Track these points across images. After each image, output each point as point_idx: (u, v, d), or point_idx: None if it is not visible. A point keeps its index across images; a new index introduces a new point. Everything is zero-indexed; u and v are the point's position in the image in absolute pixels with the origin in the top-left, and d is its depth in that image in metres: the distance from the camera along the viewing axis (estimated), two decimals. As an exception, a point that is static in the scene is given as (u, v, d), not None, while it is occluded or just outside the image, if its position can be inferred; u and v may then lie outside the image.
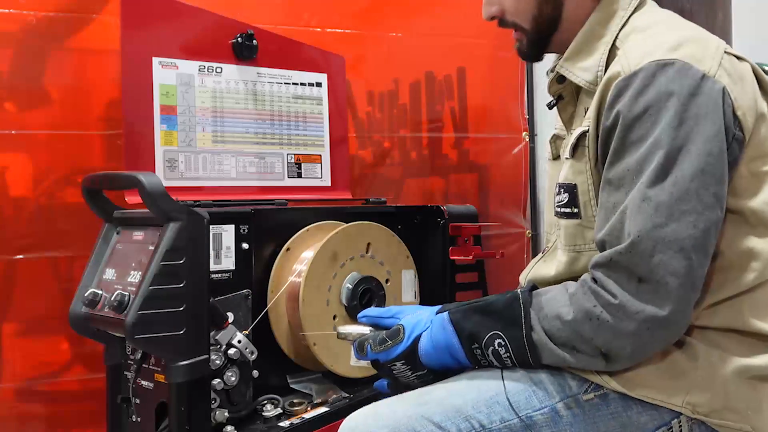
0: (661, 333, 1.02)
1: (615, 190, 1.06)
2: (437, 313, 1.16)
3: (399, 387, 1.21)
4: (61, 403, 1.96)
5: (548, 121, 2.57)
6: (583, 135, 1.14)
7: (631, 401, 1.08)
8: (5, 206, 1.90)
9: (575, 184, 1.16)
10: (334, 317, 1.70)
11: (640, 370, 1.08)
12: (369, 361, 1.21)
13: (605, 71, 1.14)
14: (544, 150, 2.59)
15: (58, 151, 1.94)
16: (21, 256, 1.90)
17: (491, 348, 1.10)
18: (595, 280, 1.05)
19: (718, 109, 1.03)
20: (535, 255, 1.36)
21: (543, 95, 2.57)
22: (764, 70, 2.59)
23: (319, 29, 2.26)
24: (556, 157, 1.31)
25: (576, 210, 1.16)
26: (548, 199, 1.32)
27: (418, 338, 1.14)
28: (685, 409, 1.06)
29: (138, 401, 1.49)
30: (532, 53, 1.28)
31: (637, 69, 1.05)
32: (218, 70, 1.84)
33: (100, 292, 1.43)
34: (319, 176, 2.00)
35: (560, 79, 1.22)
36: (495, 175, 2.58)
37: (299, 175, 1.96)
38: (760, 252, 1.08)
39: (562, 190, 1.19)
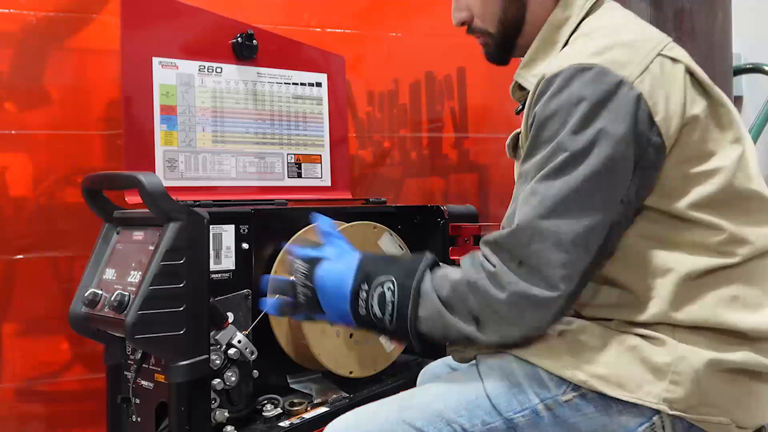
0: (530, 314, 1.05)
1: (522, 184, 1.10)
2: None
3: (288, 292, 1.22)
4: (61, 403, 1.96)
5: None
6: (517, 136, 1.20)
7: (610, 400, 1.09)
8: (5, 206, 1.91)
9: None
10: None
11: (616, 369, 1.08)
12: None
13: None
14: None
15: (58, 151, 1.94)
16: (21, 256, 1.90)
17: (379, 291, 1.12)
18: (481, 254, 1.10)
19: (629, 115, 1.05)
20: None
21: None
22: (764, 70, 2.59)
23: (319, 29, 2.27)
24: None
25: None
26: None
27: (325, 258, 1.18)
28: (662, 405, 1.06)
29: (138, 401, 1.49)
30: (498, 56, 1.31)
31: (558, 72, 1.08)
32: (218, 70, 1.84)
33: (100, 292, 1.43)
34: (319, 176, 2.00)
35: (521, 86, 1.25)
36: (495, 175, 2.58)
37: (299, 175, 1.96)
38: (702, 245, 1.09)
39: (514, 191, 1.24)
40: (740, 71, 2.32)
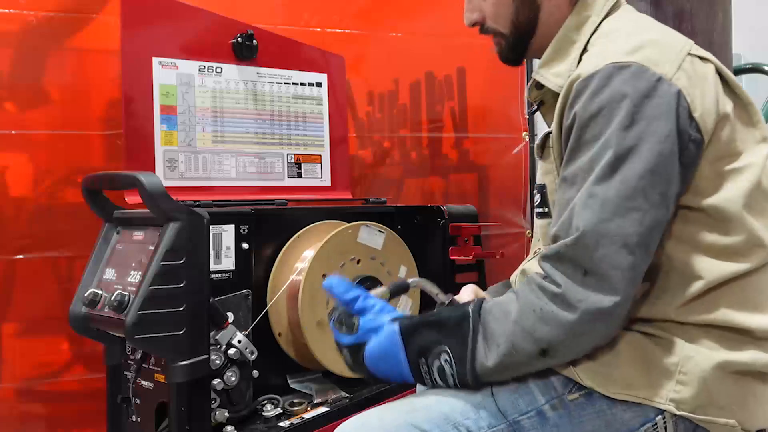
0: (601, 325, 1.04)
1: (569, 188, 1.08)
2: (392, 320, 1.16)
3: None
4: (61, 403, 1.96)
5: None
6: (548, 136, 1.17)
7: (615, 399, 1.09)
8: (5, 206, 1.91)
9: (545, 184, 1.20)
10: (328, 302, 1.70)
11: (622, 369, 1.08)
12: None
13: None
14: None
15: (58, 151, 1.94)
16: (21, 256, 1.90)
17: (437, 364, 1.11)
18: (543, 274, 1.07)
19: (672, 111, 1.05)
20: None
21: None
22: (764, 70, 2.59)
23: (319, 29, 2.27)
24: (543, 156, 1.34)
25: (547, 210, 1.20)
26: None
27: (364, 344, 1.15)
28: (669, 406, 1.06)
29: (138, 401, 1.49)
30: (512, 57, 1.30)
31: (595, 71, 1.07)
32: (218, 70, 1.84)
33: (100, 292, 1.43)
34: (319, 176, 2.00)
35: (539, 85, 1.25)
36: (495, 175, 2.59)
37: (299, 175, 1.96)
38: (723, 248, 1.09)
39: (536, 190, 1.22)
40: (740, 71, 2.32)
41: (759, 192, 1.11)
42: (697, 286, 1.08)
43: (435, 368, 1.11)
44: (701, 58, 1.14)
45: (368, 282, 1.74)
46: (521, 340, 1.05)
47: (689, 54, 1.12)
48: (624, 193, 1.02)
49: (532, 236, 2.42)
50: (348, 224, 1.75)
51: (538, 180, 1.21)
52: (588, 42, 1.19)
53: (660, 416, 1.08)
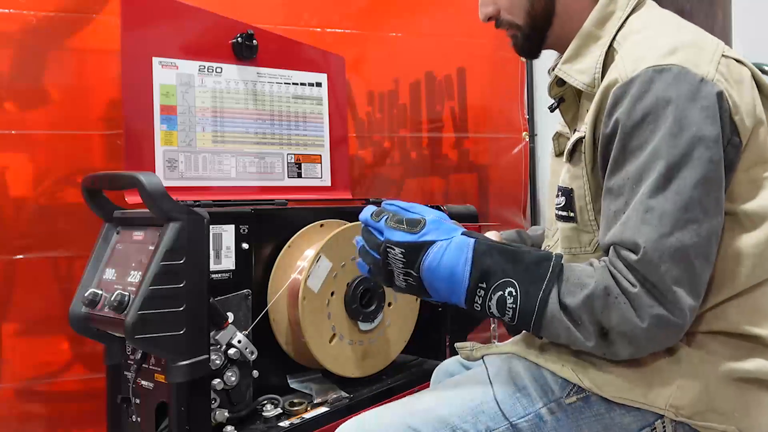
0: (663, 334, 1.02)
1: (615, 198, 1.05)
2: (464, 234, 1.10)
3: (379, 274, 1.14)
4: (61, 403, 1.96)
5: (548, 121, 2.57)
6: (579, 141, 1.14)
7: (613, 403, 1.08)
8: (5, 206, 1.91)
9: (572, 189, 1.16)
10: (328, 303, 1.70)
11: (622, 373, 1.07)
12: (369, 231, 1.13)
13: (602, 74, 1.14)
14: (545, 148, 2.60)
15: (58, 151, 1.94)
16: (21, 256, 1.90)
17: (499, 293, 1.05)
18: (613, 265, 1.04)
19: (716, 114, 1.03)
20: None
21: (543, 95, 2.57)
22: (764, 71, 2.59)
23: (319, 29, 2.27)
24: (558, 154, 1.31)
25: (572, 214, 1.16)
26: (550, 196, 1.33)
27: (431, 243, 1.08)
28: (668, 411, 1.06)
29: (138, 401, 1.49)
30: (528, 49, 1.28)
31: (634, 75, 1.05)
32: (218, 70, 1.84)
33: (100, 292, 1.43)
34: (319, 176, 2.00)
35: (560, 82, 1.22)
36: (495, 175, 2.59)
37: (299, 175, 1.96)
38: (749, 254, 1.08)
39: (560, 193, 1.19)
40: (740, 71, 2.32)
41: None
42: (715, 299, 1.07)
43: (495, 297, 1.05)
44: (736, 60, 1.11)
45: (367, 282, 1.74)
46: (587, 315, 1.02)
47: (723, 55, 1.09)
48: (681, 204, 1.00)
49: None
50: (350, 224, 1.74)
51: (563, 182, 1.17)
52: (614, 39, 1.16)
53: (659, 421, 1.07)
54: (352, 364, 1.74)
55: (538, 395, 1.11)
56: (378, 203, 1.94)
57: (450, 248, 1.07)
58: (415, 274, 1.08)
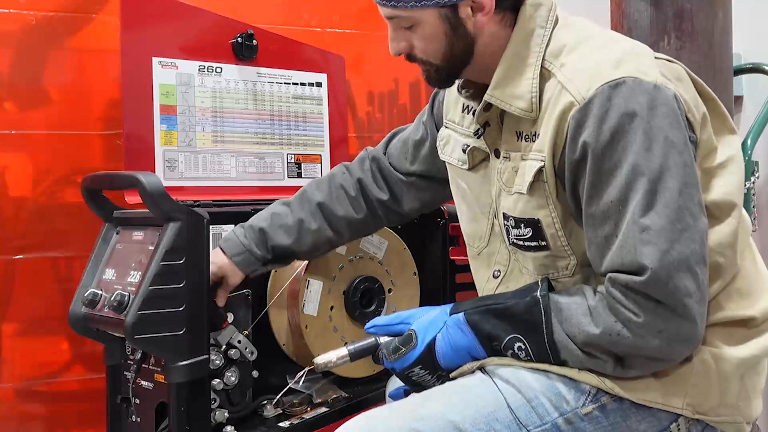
0: (681, 347, 1.04)
1: (602, 224, 1.05)
2: (450, 313, 1.15)
3: (420, 390, 1.20)
4: (61, 403, 1.96)
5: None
6: (540, 171, 1.12)
7: (629, 410, 1.08)
8: (5, 206, 1.90)
9: (538, 219, 1.15)
10: (330, 318, 1.70)
11: (640, 375, 1.08)
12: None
13: (540, 95, 1.12)
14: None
15: (58, 151, 1.94)
16: (21, 256, 1.90)
17: (510, 351, 1.11)
18: (612, 296, 1.04)
19: (678, 116, 1.04)
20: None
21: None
22: (765, 70, 2.59)
23: (319, 29, 2.26)
24: (473, 167, 1.29)
25: (543, 243, 1.15)
26: (469, 211, 1.32)
27: (433, 341, 1.14)
28: (686, 410, 1.06)
29: (138, 401, 1.49)
30: (442, 83, 1.26)
31: (591, 95, 1.04)
32: (218, 70, 1.84)
33: (99, 292, 1.43)
34: (319, 176, 2.00)
35: (487, 107, 1.19)
36: (495, 175, 2.58)
37: (299, 175, 1.96)
38: (728, 244, 1.10)
39: (522, 224, 1.17)
40: (740, 71, 2.32)
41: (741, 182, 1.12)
42: (712, 293, 1.08)
43: (509, 352, 1.12)
44: (667, 60, 1.13)
45: (368, 282, 1.74)
46: (598, 351, 1.06)
47: (656, 57, 1.11)
48: (672, 216, 1.01)
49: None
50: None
51: (525, 214, 1.16)
52: (544, 57, 1.13)
53: (674, 423, 1.08)
54: (366, 362, 1.73)
55: (552, 405, 1.09)
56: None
57: (451, 334, 1.14)
58: (440, 371, 1.16)
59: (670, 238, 1.00)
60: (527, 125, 1.14)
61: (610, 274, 1.04)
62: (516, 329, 1.09)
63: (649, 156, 1.01)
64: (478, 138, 1.23)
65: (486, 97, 1.18)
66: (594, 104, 1.04)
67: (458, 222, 1.93)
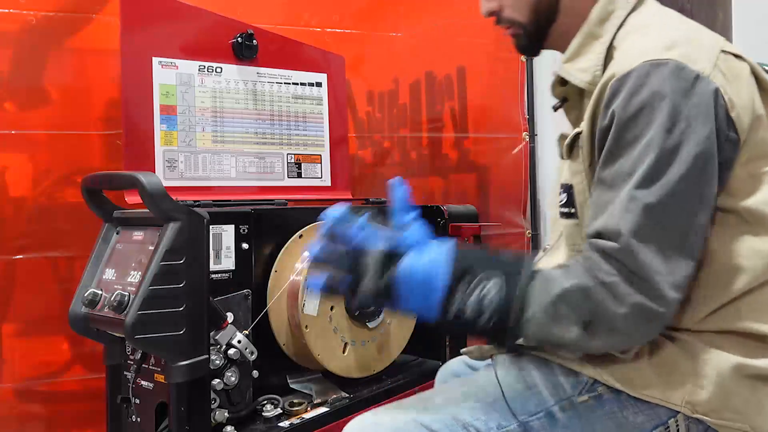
0: (644, 325, 1.02)
1: (607, 190, 1.06)
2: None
3: (334, 289, 1.08)
4: (61, 403, 1.96)
5: (548, 121, 2.57)
6: (577, 136, 1.15)
7: (626, 401, 1.09)
8: (5, 206, 1.91)
9: (572, 185, 1.17)
10: (330, 319, 1.70)
11: (640, 370, 1.08)
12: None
13: (603, 72, 1.14)
14: (545, 148, 2.60)
15: (58, 151, 1.94)
16: (21, 256, 1.90)
17: (480, 288, 1.03)
18: (590, 258, 1.04)
19: (711, 110, 1.03)
20: (534, 255, 1.35)
21: (543, 95, 2.58)
22: (765, 70, 2.59)
23: (319, 29, 2.26)
24: (562, 155, 1.31)
25: (573, 210, 1.17)
26: (552, 196, 1.32)
27: (401, 252, 1.05)
28: (685, 408, 1.06)
29: (138, 401, 1.49)
30: (530, 46, 1.27)
31: (631, 69, 1.05)
32: (218, 70, 1.84)
33: (99, 292, 1.43)
34: (319, 176, 2.00)
35: (562, 81, 1.22)
36: (495, 175, 2.58)
37: (299, 175, 1.96)
38: (758, 252, 1.08)
39: (562, 190, 1.19)
40: (740, 71, 2.32)
41: None
42: (724, 297, 1.07)
43: (476, 291, 1.02)
44: (735, 55, 1.12)
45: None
46: (565, 309, 1.02)
47: (722, 51, 1.10)
48: (665, 198, 1.01)
49: (532, 236, 2.41)
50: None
51: (565, 179, 1.18)
52: (614, 37, 1.16)
53: (672, 419, 1.08)
54: (351, 364, 1.73)
55: (549, 393, 1.11)
56: (378, 203, 1.95)
57: (427, 252, 1.05)
58: (386, 278, 1.04)
59: (656, 218, 1.01)
60: None
61: (590, 240, 1.05)
62: (497, 270, 1.04)
63: (667, 137, 1.02)
64: (555, 110, 1.26)
65: (557, 70, 1.21)
66: (631, 77, 1.05)
67: (458, 222, 1.95)
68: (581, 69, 1.17)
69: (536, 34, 1.24)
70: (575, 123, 1.24)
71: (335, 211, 1.07)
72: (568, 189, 1.17)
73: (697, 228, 1.03)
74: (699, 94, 1.03)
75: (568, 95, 1.23)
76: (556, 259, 1.23)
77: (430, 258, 1.04)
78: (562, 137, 1.30)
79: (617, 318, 1.01)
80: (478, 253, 1.08)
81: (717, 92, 1.04)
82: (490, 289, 1.03)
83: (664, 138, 1.02)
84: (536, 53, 1.30)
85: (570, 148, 1.16)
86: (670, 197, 1.01)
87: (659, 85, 1.03)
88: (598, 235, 1.04)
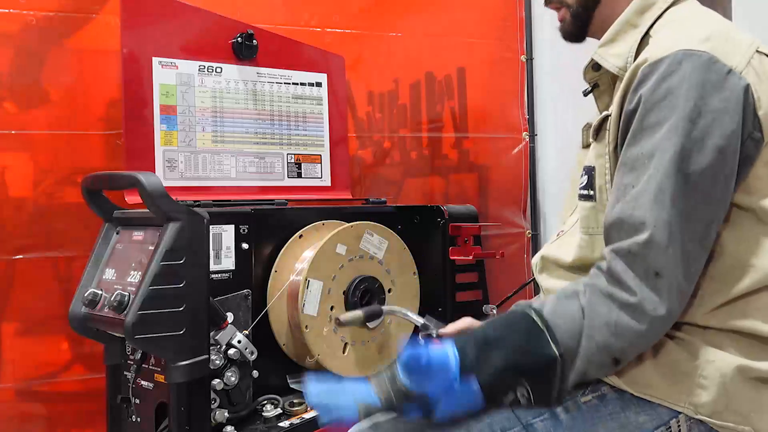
0: (662, 328, 1.05)
1: (629, 172, 1.06)
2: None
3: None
4: (61, 403, 1.96)
5: (548, 121, 2.57)
6: (606, 118, 1.16)
7: (628, 401, 1.09)
8: (5, 206, 1.91)
9: (594, 167, 1.17)
10: (330, 318, 1.70)
11: (643, 370, 1.08)
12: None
13: (635, 58, 1.15)
14: (545, 148, 2.59)
15: (58, 151, 1.94)
16: (21, 256, 1.90)
17: (512, 398, 1.07)
18: (610, 276, 1.05)
19: (739, 106, 1.04)
20: (535, 255, 1.35)
21: (543, 95, 2.58)
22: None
23: (319, 29, 2.26)
24: (585, 145, 1.30)
25: (592, 192, 1.17)
26: (572, 186, 1.33)
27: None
28: (687, 409, 1.06)
29: (138, 401, 1.49)
30: (575, 30, 1.29)
31: (664, 56, 1.06)
32: (218, 70, 1.84)
33: (100, 292, 1.43)
34: (319, 176, 2.00)
35: (596, 66, 1.23)
36: (495, 175, 2.58)
37: (299, 175, 1.96)
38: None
39: (583, 172, 1.20)
40: (740, 71, 2.32)
41: None
42: (731, 293, 1.07)
43: (507, 401, 1.07)
44: None
45: (367, 282, 1.74)
46: (596, 355, 1.04)
47: (758, 51, 1.10)
48: (687, 190, 1.02)
49: (532, 236, 2.41)
50: (348, 224, 1.74)
51: (588, 162, 1.19)
52: (651, 27, 1.17)
53: (674, 419, 1.07)
54: (351, 364, 1.73)
55: None
56: (378, 203, 1.95)
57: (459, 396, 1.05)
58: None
59: (679, 209, 1.02)
60: None
61: (612, 245, 1.06)
62: (523, 379, 1.05)
63: (691, 126, 1.02)
64: (585, 96, 1.27)
65: (593, 54, 1.22)
66: (663, 63, 1.06)
67: (458, 222, 1.95)
68: (615, 54, 1.18)
69: (581, 17, 1.26)
70: (604, 109, 1.25)
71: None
72: (590, 171, 1.18)
73: (715, 221, 1.04)
74: (728, 89, 1.03)
75: (600, 81, 1.24)
76: (569, 245, 1.22)
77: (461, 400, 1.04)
78: (587, 125, 1.30)
79: (641, 337, 1.03)
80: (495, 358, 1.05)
81: (747, 89, 1.04)
82: (519, 398, 1.05)
83: (688, 127, 1.02)
84: (581, 38, 1.31)
85: (597, 131, 1.18)
86: (692, 189, 1.02)
87: (690, 73, 1.03)
88: (616, 222, 1.05)
